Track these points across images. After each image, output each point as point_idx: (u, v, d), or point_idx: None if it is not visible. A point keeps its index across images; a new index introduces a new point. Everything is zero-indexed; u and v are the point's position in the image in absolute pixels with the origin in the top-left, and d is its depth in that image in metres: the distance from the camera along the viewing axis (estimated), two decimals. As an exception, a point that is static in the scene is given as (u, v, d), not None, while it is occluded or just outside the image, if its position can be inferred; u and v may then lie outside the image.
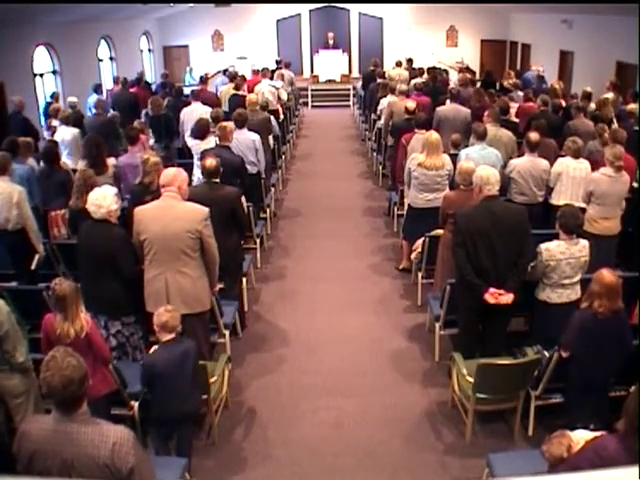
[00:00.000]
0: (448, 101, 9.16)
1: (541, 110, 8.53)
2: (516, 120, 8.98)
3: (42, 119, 10.90)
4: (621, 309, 3.95)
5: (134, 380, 4.06)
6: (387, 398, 5.00)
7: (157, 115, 9.19)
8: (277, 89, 12.04)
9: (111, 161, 6.84)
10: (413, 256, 6.54)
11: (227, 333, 5.27)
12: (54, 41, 12.59)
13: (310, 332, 6.01)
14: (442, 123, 8.53)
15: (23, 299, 4.84)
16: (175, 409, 3.81)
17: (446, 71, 15.98)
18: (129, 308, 4.60)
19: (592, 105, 9.01)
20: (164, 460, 3.83)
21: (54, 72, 12.94)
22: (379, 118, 10.78)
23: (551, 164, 6.47)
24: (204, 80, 12.19)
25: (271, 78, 12.47)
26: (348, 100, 18.45)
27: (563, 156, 6.59)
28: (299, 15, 20.34)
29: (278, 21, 20.35)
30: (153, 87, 14.44)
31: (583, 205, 5.98)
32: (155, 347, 3.91)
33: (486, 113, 7.62)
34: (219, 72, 16.37)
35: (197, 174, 6.93)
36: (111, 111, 10.13)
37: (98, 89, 11.75)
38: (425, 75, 13.09)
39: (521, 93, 10.56)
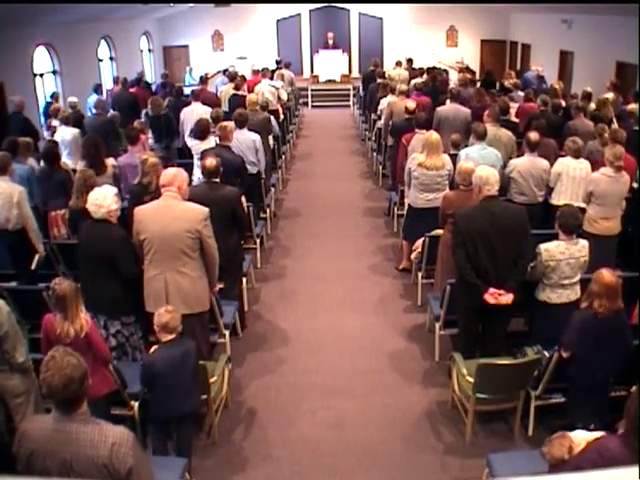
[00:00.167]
0: (448, 101, 9.15)
1: (541, 110, 8.53)
2: (516, 120, 8.98)
3: (42, 119, 10.90)
4: (621, 309, 3.95)
5: (134, 380, 4.06)
6: (387, 398, 5.00)
7: (157, 115, 9.19)
8: (277, 89, 12.05)
9: (111, 161, 6.85)
10: (413, 256, 6.54)
11: (227, 333, 5.27)
12: (54, 41, 12.59)
13: (310, 332, 6.01)
14: (442, 123, 8.53)
15: (23, 299, 4.85)
16: (175, 409, 3.81)
17: (446, 71, 15.96)
18: (129, 308, 4.60)
19: (592, 105, 9.01)
20: (164, 460, 3.83)
21: (54, 72, 12.94)
22: (379, 118, 10.78)
23: (551, 164, 6.47)
24: (204, 80, 12.19)
25: (271, 78, 12.47)
26: (348, 100, 18.45)
27: (563, 156, 6.59)
28: (299, 15, 20.34)
29: (278, 21, 20.35)
30: (153, 87, 14.45)
31: (583, 205, 5.99)
32: (155, 347, 3.91)
33: (486, 113, 7.62)
34: (219, 72, 16.37)
35: (197, 174, 6.93)
36: (111, 111, 10.14)
37: (98, 89, 11.76)
38: (425, 75, 13.09)
39: (521, 93, 10.56)
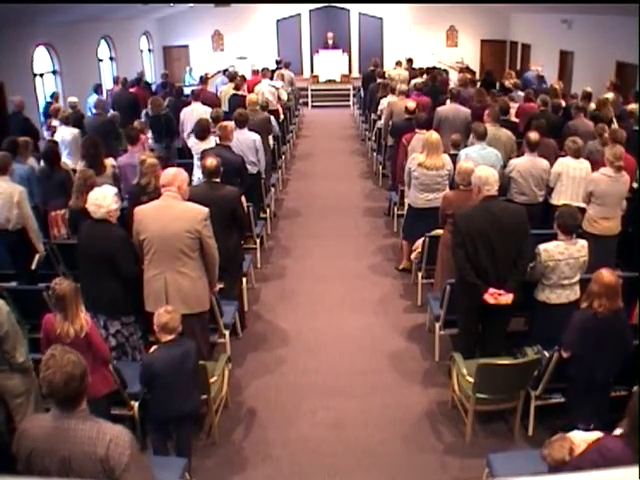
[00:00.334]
0: (448, 101, 9.15)
1: (541, 110, 8.53)
2: (516, 120, 8.98)
3: (42, 119, 10.89)
4: (621, 309, 3.95)
5: (134, 380, 4.05)
6: (387, 398, 5.00)
7: (157, 115, 9.19)
8: (277, 89, 12.04)
9: (111, 161, 6.85)
10: (413, 256, 6.54)
11: (227, 333, 5.27)
12: (54, 41, 12.59)
13: (310, 332, 6.01)
14: (442, 123, 8.52)
15: (23, 299, 4.85)
16: (175, 409, 3.81)
17: (446, 71, 15.96)
18: (129, 308, 4.60)
19: (592, 105, 9.01)
20: (164, 460, 3.83)
21: (54, 72, 12.94)
22: (379, 118, 10.78)
23: (551, 164, 6.47)
24: (204, 80, 12.20)
25: (271, 78, 12.47)
26: (348, 100, 18.45)
27: (563, 156, 6.59)
28: (299, 15, 20.34)
29: (278, 21, 20.35)
30: (153, 87, 14.45)
31: (583, 205, 5.99)
32: (155, 347, 3.91)
33: (486, 113, 7.62)
34: (219, 72, 16.37)
35: (197, 174, 6.93)
36: (111, 111, 10.14)
37: (98, 89, 11.76)
38: (425, 75, 13.09)
39: (521, 93, 10.55)
